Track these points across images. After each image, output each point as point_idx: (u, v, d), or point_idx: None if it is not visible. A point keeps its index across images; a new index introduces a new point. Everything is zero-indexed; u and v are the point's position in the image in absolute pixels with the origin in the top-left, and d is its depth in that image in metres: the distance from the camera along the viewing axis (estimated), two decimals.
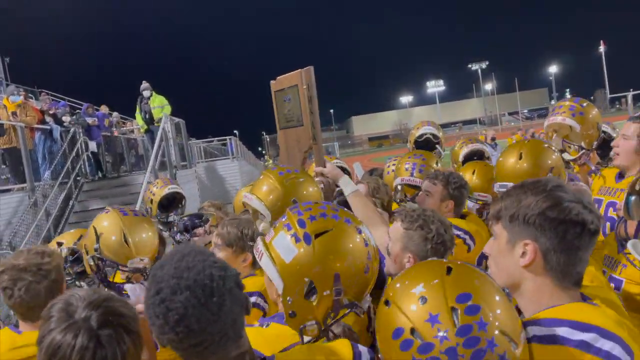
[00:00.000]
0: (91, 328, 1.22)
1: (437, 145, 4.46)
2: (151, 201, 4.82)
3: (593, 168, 3.30)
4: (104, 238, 2.53)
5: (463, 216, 2.86)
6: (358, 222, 1.56)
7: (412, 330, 1.12)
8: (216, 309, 1.13)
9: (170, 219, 4.75)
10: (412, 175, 3.44)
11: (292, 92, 2.71)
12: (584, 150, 3.33)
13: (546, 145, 2.84)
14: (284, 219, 1.54)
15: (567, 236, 1.27)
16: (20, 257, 2.01)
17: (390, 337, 1.16)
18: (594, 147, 3.38)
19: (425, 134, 4.48)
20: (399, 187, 3.54)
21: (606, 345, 1.17)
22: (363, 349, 1.40)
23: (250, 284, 2.19)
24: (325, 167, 2.56)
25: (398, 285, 1.24)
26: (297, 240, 1.45)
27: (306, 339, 1.48)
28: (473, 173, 3.53)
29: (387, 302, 1.22)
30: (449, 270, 1.20)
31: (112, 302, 1.30)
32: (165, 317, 1.12)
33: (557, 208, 1.28)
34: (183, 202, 4.98)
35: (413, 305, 1.14)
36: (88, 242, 2.60)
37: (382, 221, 2.46)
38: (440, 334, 1.08)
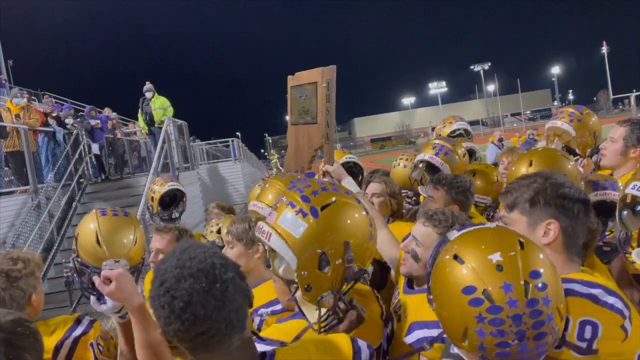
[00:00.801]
0: None
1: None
2: (152, 199, 4.86)
3: (586, 175, 3.31)
4: (80, 239, 2.48)
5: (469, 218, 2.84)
6: (353, 194, 1.65)
7: (485, 291, 1.22)
8: (220, 295, 1.16)
9: (173, 216, 4.79)
10: (437, 154, 3.37)
11: (310, 88, 2.66)
12: (577, 157, 3.37)
13: (559, 154, 2.80)
14: (284, 199, 1.59)
15: (580, 213, 1.53)
16: None
17: (458, 291, 1.25)
18: (587, 154, 3.42)
19: (459, 130, 4.38)
20: (420, 165, 3.49)
21: (610, 299, 1.38)
22: (362, 343, 1.43)
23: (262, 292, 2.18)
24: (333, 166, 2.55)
25: (472, 247, 1.30)
26: (304, 215, 1.51)
27: (323, 310, 1.53)
28: (473, 175, 3.51)
29: (458, 258, 1.29)
30: (522, 244, 1.29)
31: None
32: (171, 305, 1.14)
33: (570, 190, 1.54)
34: (184, 199, 5.00)
35: (490, 270, 1.24)
36: (73, 245, 2.56)
37: (383, 223, 2.46)
38: (511, 301, 1.20)
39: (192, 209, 10.37)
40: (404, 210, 3.35)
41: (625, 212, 2.10)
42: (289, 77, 2.85)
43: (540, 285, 1.22)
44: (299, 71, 2.67)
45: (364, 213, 1.58)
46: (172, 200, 4.97)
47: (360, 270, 1.53)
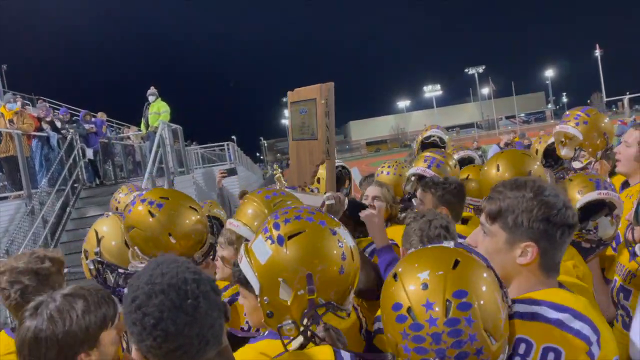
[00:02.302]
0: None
1: (442, 149, 4.46)
2: (116, 209, 4.60)
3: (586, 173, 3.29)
4: (104, 242, 2.52)
5: (465, 220, 2.85)
6: (334, 224, 1.60)
7: (409, 309, 1.25)
8: (191, 311, 1.15)
9: None
10: (429, 167, 3.42)
11: (308, 105, 2.70)
12: (590, 159, 3.31)
13: (521, 152, 2.93)
14: (264, 224, 1.60)
15: (562, 237, 1.46)
16: (21, 260, 2.03)
17: (390, 308, 1.29)
18: (598, 156, 3.35)
19: (433, 136, 4.49)
20: (412, 178, 3.52)
21: (577, 324, 1.36)
22: (346, 354, 1.43)
23: None
24: (335, 181, 2.60)
25: (409, 264, 1.35)
26: (271, 242, 1.52)
27: (295, 344, 1.50)
28: (467, 178, 3.52)
29: (395, 276, 1.33)
30: (456, 263, 1.29)
31: None
32: (142, 322, 1.14)
33: (558, 215, 1.45)
34: None
35: (415, 287, 1.27)
36: (88, 246, 2.60)
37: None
38: (431, 319, 1.22)
39: None
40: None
41: None
42: (289, 92, 2.90)
43: (463, 305, 1.22)
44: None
45: (335, 245, 1.53)
46: None
47: (327, 304, 1.49)
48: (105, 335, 1.53)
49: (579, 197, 2.44)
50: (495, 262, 1.47)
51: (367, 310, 2.50)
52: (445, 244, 1.40)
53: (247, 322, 2.21)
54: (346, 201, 2.49)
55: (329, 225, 1.57)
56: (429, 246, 1.44)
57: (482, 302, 1.24)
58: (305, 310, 1.47)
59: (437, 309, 1.22)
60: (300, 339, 1.49)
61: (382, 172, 3.97)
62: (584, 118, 3.35)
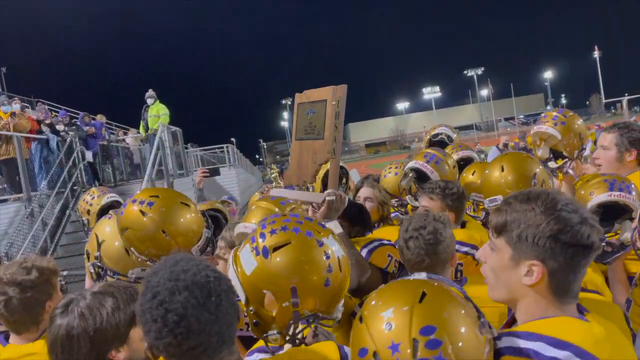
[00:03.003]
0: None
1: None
2: (88, 212, 4.46)
3: (577, 177, 3.34)
4: (105, 245, 2.48)
5: (463, 223, 2.85)
6: (321, 234, 1.56)
7: (375, 354, 1.15)
8: (214, 309, 1.16)
9: None
10: (427, 162, 3.42)
11: (318, 106, 2.72)
12: (566, 159, 3.37)
13: (525, 155, 2.91)
14: (253, 231, 1.58)
15: (575, 259, 1.29)
16: (9, 270, 2.00)
17: (356, 353, 1.19)
18: (575, 156, 3.42)
19: (441, 134, 4.49)
20: (411, 174, 3.51)
21: None
22: (349, 350, 1.40)
23: None
24: (338, 180, 2.59)
25: (373, 303, 1.24)
26: (257, 253, 1.49)
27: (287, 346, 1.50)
28: (473, 174, 3.54)
29: (360, 319, 1.23)
30: (423, 296, 1.18)
31: None
32: (164, 319, 1.12)
33: (569, 232, 1.28)
34: None
35: (379, 329, 1.16)
36: (90, 248, 2.56)
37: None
38: None
39: None
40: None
41: None
42: (297, 94, 2.92)
43: (432, 342, 1.11)
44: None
45: (321, 257, 1.50)
46: (107, 213, 4.59)
47: (313, 315, 1.47)
48: (135, 332, 1.55)
49: (591, 198, 2.44)
50: (500, 281, 1.38)
51: None
52: (416, 275, 1.32)
53: (246, 324, 2.21)
54: (347, 199, 2.48)
55: (315, 236, 1.53)
56: (394, 281, 1.35)
57: (454, 337, 1.12)
58: (291, 322, 1.46)
59: (403, 350, 1.11)
60: (289, 347, 1.50)
61: (388, 174, 3.97)
62: (561, 119, 3.41)
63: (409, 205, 3.52)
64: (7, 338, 2.03)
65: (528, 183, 2.64)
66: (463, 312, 1.18)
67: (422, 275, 1.33)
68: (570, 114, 3.46)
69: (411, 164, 3.51)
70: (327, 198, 2.39)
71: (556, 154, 3.45)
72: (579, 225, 1.28)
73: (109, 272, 2.46)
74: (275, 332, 1.47)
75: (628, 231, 2.39)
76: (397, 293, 1.23)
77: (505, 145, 12.03)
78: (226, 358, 1.21)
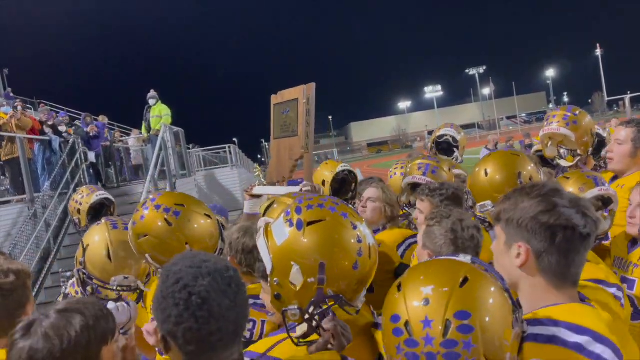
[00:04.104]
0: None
1: (455, 149, 4.44)
2: (78, 211, 4.43)
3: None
4: (90, 251, 2.44)
5: None
6: (356, 219, 1.57)
7: (406, 323, 1.19)
8: (233, 297, 1.20)
9: None
10: (424, 174, 3.38)
11: (291, 105, 2.82)
12: (579, 157, 3.35)
13: (510, 153, 2.82)
14: (287, 207, 1.60)
15: (556, 239, 1.35)
16: None
17: (388, 318, 1.24)
18: (589, 153, 3.40)
19: (446, 136, 4.46)
20: (408, 188, 3.48)
21: (598, 348, 1.25)
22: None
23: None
24: (312, 174, 2.68)
25: (415, 275, 1.28)
26: (290, 225, 1.51)
27: (298, 331, 1.50)
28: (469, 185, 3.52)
29: (399, 287, 1.27)
30: (465, 281, 1.20)
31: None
32: (187, 302, 1.15)
33: (549, 213, 1.36)
34: (112, 209, 4.63)
35: (416, 302, 1.20)
36: (78, 254, 2.54)
37: None
38: (428, 337, 1.15)
39: None
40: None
41: None
42: (273, 96, 3.04)
43: (464, 327, 1.14)
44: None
45: (353, 240, 1.50)
46: (99, 212, 4.53)
47: (335, 296, 1.46)
48: (106, 351, 1.39)
49: (582, 194, 2.44)
50: (500, 265, 1.47)
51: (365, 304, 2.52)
52: (461, 257, 1.32)
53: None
54: (322, 191, 2.54)
55: (350, 218, 1.55)
56: (441, 258, 1.37)
57: (486, 326, 1.15)
58: (313, 299, 1.46)
59: (435, 327, 1.15)
60: (305, 327, 1.49)
61: (395, 174, 3.95)
62: (572, 117, 3.36)
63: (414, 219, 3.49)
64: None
65: (514, 182, 2.56)
66: (500, 303, 1.20)
67: (467, 258, 1.31)
68: (579, 111, 3.42)
69: (408, 179, 3.47)
70: (303, 189, 2.50)
71: (566, 151, 3.43)
72: (563, 208, 1.35)
73: (92, 279, 2.40)
74: (295, 307, 1.47)
75: (603, 223, 2.42)
76: (440, 272, 1.26)
77: (495, 145, 12.05)
78: (236, 354, 1.24)
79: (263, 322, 2.19)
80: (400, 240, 2.97)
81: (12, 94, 19.95)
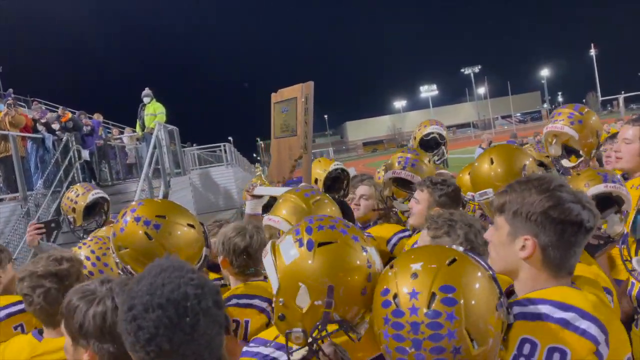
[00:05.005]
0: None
1: (442, 146, 4.42)
2: (73, 210, 4.33)
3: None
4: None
5: None
6: (367, 243, 1.54)
7: (395, 295, 1.27)
8: (189, 330, 1.10)
9: (94, 226, 4.30)
10: (403, 168, 3.36)
11: (290, 104, 2.80)
12: (582, 158, 3.29)
13: (515, 147, 2.85)
14: (297, 225, 1.56)
15: (564, 235, 1.40)
16: (39, 264, 2.05)
17: (379, 292, 1.32)
18: (592, 155, 3.32)
19: (432, 134, 4.40)
20: (389, 182, 3.46)
21: (583, 324, 1.32)
22: None
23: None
24: (311, 174, 2.67)
25: (407, 255, 1.36)
26: (300, 244, 1.47)
27: (297, 355, 1.46)
28: (469, 174, 3.52)
29: (392, 266, 1.35)
30: (453, 261, 1.28)
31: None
32: (136, 335, 1.09)
33: (559, 208, 1.40)
34: (106, 208, 4.53)
35: (405, 276, 1.28)
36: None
37: None
38: (413, 307, 1.23)
39: None
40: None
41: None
42: (273, 94, 3.00)
43: (448, 300, 1.20)
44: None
45: (363, 264, 1.47)
46: (93, 210, 4.44)
47: (341, 321, 1.43)
48: None
49: (586, 189, 2.42)
50: (500, 256, 1.51)
51: None
52: (454, 246, 1.38)
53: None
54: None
55: (361, 242, 1.52)
56: (434, 245, 1.44)
57: (470, 302, 1.21)
58: (318, 323, 1.42)
59: (421, 299, 1.22)
60: (304, 350, 1.46)
61: (382, 176, 3.95)
62: (578, 117, 3.26)
63: (399, 211, 3.47)
64: (40, 333, 2.04)
65: (518, 175, 2.56)
66: (485, 285, 1.27)
67: (460, 248, 1.37)
68: (586, 110, 3.33)
69: (388, 174, 3.45)
70: None
71: (568, 150, 3.38)
72: (570, 204, 1.40)
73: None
74: (300, 329, 1.43)
75: (617, 224, 2.38)
76: (430, 252, 1.35)
77: (489, 144, 12.10)
78: None
79: (247, 322, 2.16)
80: (390, 235, 3.02)
81: (13, 95, 19.80)
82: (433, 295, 1.21)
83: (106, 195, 4.61)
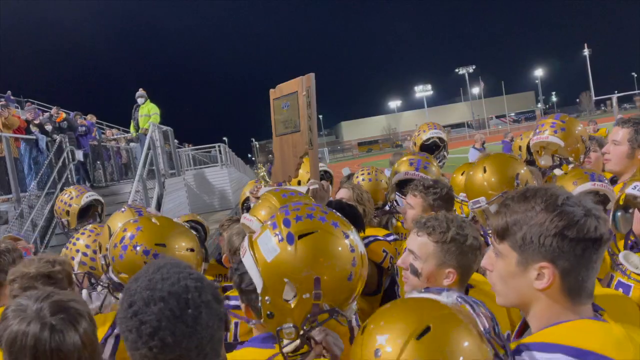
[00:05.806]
0: (43, 317, 1.39)
1: (443, 150, 4.46)
2: (67, 212, 4.35)
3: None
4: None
5: None
6: (346, 227, 1.50)
7: None
8: (191, 322, 1.09)
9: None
10: (417, 170, 3.40)
11: (291, 99, 2.72)
12: (572, 165, 3.34)
13: (509, 155, 2.86)
14: (272, 218, 1.51)
15: (585, 254, 1.21)
16: (31, 266, 2.06)
17: (351, 354, 1.14)
18: (581, 160, 3.37)
19: (432, 138, 4.46)
20: (394, 188, 3.48)
21: None
22: None
23: None
24: (318, 170, 2.61)
25: (379, 318, 1.14)
26: (280, 239, 1.42)
27: (289, 347, 1.44)
28: (462, 174, 3.53)
29: (363, 330, 1.14)
30: (426, 331, 1.04)
31: (59, 295, 1.47)
32: (138, 330, 1.08)
33: (576, 227, 1.19)
34: (100, 210, 4.57)
35: (370, 350, 1.08)
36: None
37: None
38: None
39: (178, 215, 10.25)
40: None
41: (619, 213, 2.08)
42: (271, 90, 2.92)
43: None
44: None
45: (347, 250, 1.43)
46: (86, 212, 4.47)
47: (331, 310, 1.40)
48: None
49: (574, 187, 2.43)
50: (510, 288, 1.29)
51: (366, 305, 2.50)
52: (444, 295, 1.15)
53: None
54: (330, 188, 2.49)
55: (342, 227, 1.48)
56: (419, 296, 1.19)
57: None
58: (308, 315, 1.39)
59: None
60: (297, 342, 1.44)
61: (359, 181, 3.95)
62: (560, 125, 3.34)
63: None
64: None
65: (511, 184, 2.57)
66: (466, 352, 1.03)
67: (451, 298, 1.14)
68: (568, 118, 3.41)
69: (399, 175, 3.46)
70: (311, 187, 2.43)
71: (560, 160, 3.42)
72: (584, 218, 1.19)
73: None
74: (290, 325, 1.40)
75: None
76: (402, 317, 1.10)
77: (482, 144, 12.08)
78: None
79: (236, 324, 2.14)
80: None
81: (12, 97, 19.69)
82: None
83: (100, 197, 4.59)
